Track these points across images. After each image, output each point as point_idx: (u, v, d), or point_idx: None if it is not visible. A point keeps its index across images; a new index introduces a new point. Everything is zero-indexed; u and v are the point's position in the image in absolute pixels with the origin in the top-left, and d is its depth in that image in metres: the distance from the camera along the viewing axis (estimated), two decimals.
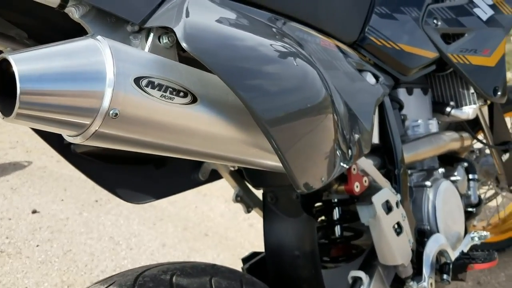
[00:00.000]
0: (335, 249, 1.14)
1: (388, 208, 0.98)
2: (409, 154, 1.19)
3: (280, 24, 0.81)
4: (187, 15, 0.57)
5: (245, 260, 1.16)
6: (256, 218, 2.93)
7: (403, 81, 1.26)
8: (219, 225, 2.94)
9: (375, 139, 1.07)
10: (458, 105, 1.48)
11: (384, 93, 1.04)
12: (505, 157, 1.79)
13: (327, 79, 0.75)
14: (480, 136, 1.76)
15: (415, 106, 1.36)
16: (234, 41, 0.60)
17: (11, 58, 0.44)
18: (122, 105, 0.49)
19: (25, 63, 0.44)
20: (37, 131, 0.83)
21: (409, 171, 1.24)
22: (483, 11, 1.46)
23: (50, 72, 0.45)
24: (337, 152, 0.75)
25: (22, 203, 3.23)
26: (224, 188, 3.42)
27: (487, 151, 1.90)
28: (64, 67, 0.46)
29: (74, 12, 0.57)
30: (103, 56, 0.49)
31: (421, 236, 1.16)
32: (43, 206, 3.17)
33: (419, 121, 1.34)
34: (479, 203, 1.49)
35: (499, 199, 2.30)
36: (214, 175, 1.16)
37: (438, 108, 1.47)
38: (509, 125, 1.87)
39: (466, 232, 1.36)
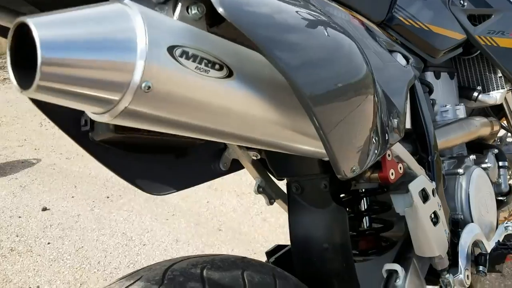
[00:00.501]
0: (364, 241, 1.08)
1: (424, 196, 0.92)
2: (441, 140, 1.13)
3: None
4: None
5: (269, 254, 1.11)
6: (269, 212, 2.88)
7: (431, 64, 1.21)
8: (232, 220, 2.89)
9: (407, 124, 1.01)
10: (485, 90, 1.42)
11: (415, 75, 0.99)
12: None
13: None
14: (503, 123, 1.70)
15: (442, 91, 1.31)
16: (271, 9, 0.55)
17: (31, 22, 0.38)
18: (155, 77, 0.43)
19: (47, 28, 0.39)
20: (51, 117, 0.77)
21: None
22: None
23: (76, 39, 0.40)
24: (376, 136, 0.70)
25: (32, 200, 3.20)
26: (236, 182, 3.39)
27: (509, 139, 1.84)
28: (90, 34, 0.41)
29: None
30: (133, 22, 0.43)
31: (455, 226, 1.10)
32: (53, 203, 3.14)
33: (448, 106, 1.28)
34: (510, 191, 1.43)
35: None
36: (235, 166, 1.11)
37: (464, 93, 1.41)
38: None
39: (497, 221, 1.30)
